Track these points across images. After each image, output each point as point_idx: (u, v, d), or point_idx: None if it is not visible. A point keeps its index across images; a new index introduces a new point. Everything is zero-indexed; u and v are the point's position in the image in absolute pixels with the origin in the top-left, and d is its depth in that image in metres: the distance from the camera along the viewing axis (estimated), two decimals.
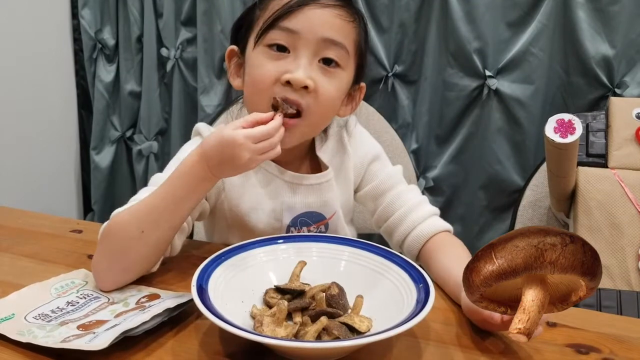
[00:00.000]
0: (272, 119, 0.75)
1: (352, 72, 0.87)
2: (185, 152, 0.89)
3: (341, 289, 0.71)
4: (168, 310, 0.66)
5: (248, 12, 0.87)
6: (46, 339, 0.62)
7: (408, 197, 0.92)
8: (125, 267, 0.75)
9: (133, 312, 0.68)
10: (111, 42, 2.02)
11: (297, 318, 0.67)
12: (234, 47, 0.89)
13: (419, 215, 0.90)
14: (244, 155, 0.71)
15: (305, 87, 0.79)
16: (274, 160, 0.88)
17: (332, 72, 0.82)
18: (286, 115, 0.79)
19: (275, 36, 0.80)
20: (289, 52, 0.80)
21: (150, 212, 0.74)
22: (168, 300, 0.69)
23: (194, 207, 0.78)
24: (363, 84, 0.93)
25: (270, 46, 0.81)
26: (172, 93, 1.97)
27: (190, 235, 1.10)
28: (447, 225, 0.90)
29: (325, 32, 0.80)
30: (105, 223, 0.77)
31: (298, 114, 0.81)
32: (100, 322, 0.66)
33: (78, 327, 0.65)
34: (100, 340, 0.60)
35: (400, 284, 0.69)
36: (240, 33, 0.88)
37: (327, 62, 0.81)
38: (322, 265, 0.77)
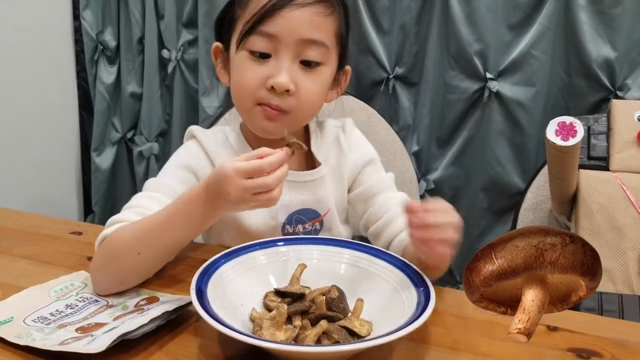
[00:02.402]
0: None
1: (335, 62, 0.87)
2: (179, 156, 0.89)
3: (341, 292, 0.70)
4: (166, 313, 0.66)
5: (228, 8, 0.87)
6: (44, 342, 0.62)
7: (396, 202, 0.91)
8: (121, 280, 0.75)
9: (131, 315, 0.68)
10: (112, 43, 2.02)
11: (297, 321, 0.67)
12: (219, 44, 0.90)
13: (405, 221, 0.89)
14: (231, 190, 0.67)
15: (288, 91, 0.80)
16: None
17: (314, 71, 0.83)
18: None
19: (255, 42, 0.81)
20: (270, 56, 0.81)
21: (149, 236, 0.74)
22: (166, 303, 0.69)
23: (193, 237, 0.77)
24: (348, 68, 0.92)
25: (252, 52, 0.82)
26: (173, 94, 1.97)
27: None
28: None
29: (304, 33, 0.80)
30: (102, 233, 0.76)
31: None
32: (99, 325, 0.66)
33: (76, 330, 0.65)
34: (98, 344, 0.60)
35: (401, 288, 0.69)
36: (222, 30, 0.89)
37: (307, 63, 0.82)
38: (322, 268, 0.76)
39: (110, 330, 0.63)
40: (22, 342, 0.63)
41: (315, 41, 0.81)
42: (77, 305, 0.73)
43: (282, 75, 0.80)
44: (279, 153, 0.69)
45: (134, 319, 0.65)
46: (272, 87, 0.80)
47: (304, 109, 0.84)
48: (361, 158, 0.96)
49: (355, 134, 0.99)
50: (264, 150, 0.69)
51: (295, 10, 0.80)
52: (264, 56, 0.81)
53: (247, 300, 0.70)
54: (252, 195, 0.68)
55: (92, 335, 0.63)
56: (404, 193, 0.95)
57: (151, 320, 0.64)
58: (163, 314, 0.65)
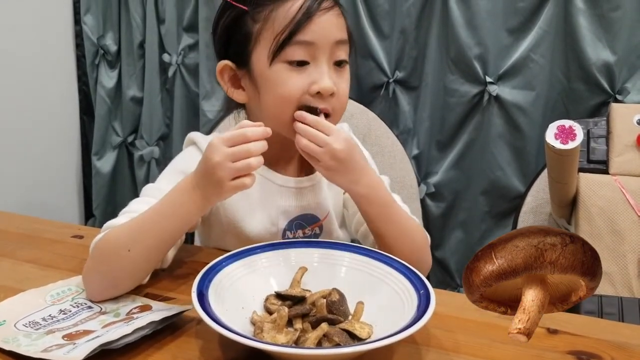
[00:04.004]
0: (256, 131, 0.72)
1: None
2: (179, 162, 0.89)
3: (342, 295, 0.70)
4: (153, 323, 0.65)
5: (236, 24, 0.85)
6: (28, 348, 0.62)
7: None
8: (113, 283, 0.75)
9: (119, 323, 0.67)
10: (113, 47, 2.03)
11: (298, 324, 0.67)
12: (227, 62, 0.87)
13: None
14: (214, 157, 0.70)
15: (332, 94, 0.83)
16: (265, 164, 0.87)
17: (343, 70, 0.86)
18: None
19: (294, 52, 0.81)
20: (308, 63, 0.82)
21: (139, 231, 0.74)
22: (155, 312, 0.68)
23: (182, 229, 0.77)
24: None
25: (289, 62, 0.82)
26: (173, 98, 1.97)
27: (192, 241, 1.10)
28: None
29: (335, 35, 0.83)
30: (97, 237, 0.76)
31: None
32: (86, 333, 0.66)
33: (63, 337, 0.65)
34: (78, 352, 0.59)
35: (401, 290, 0.69)
36: (232, 47, 0.87)
37: (338, 63, 0.85)
38: (322, 271, 0.77)
39: (94, 338, 0.63)
40: (7, 347, 0.62)
41: (343, 40, 0.84)
42: (70, 311, 0.72)
43: (325, 79, 0.82)
44: (262, 127, 0.73)
45: (118, 328, 0.64)
46: (318, 93, 0.82)
47: (342, 108, 0.87)
48: None
49: None
50: (245, 122, 0.74)
51: (324, 15, 0.82)
52: (301, 64, 0.82)
53: (248, 304, 0.71)
54: (232, 163, 0.70)
55: (74, 344, 0.62)
56: (397, 195, 0.95)
57: (135, 331, 0.63)
58: (149, 323, 0.65)
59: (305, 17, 0.80)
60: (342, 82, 0.85)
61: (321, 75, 0.82)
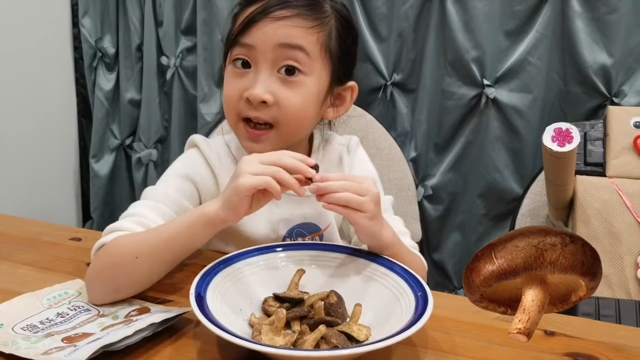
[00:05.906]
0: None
1: (324, 76, 0.85)
2: (180, 165, 0.89)
3: (340, 298, 0.71)
4: (153, 325, 0.65)
5: (232, 20, 0.89)
6: (28, 351, 0.62)
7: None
8: (116, 288, 0.74)
9: (119, 325, 0.67)
10: (111, 50, 2.03)
11: (296, 326, 0.67)
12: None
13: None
14: (245, 167, 0.70)
15: (264, 102, 0.81)
16: None
17: (295, 82, 0.82)
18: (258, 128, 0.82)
19: (236, 52, 0.83)
20: (251, 67, 0.82)
21: (149, 246, 0.73)
22: (154, 314, 0.68)
23: (190, 248, 0.76)
24: (353, 83, 0.91)
25: (234, 63, 0.83)
26: (171, 101, 1.98)
27: None
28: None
29: (280, 39, 0.81)
30: (100, 241, 0.76)
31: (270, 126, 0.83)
32: (85, 335, 0.66)
33: (63, 340, 0.65)
34: (79, 354, 0.59)
35: (399, 292, 0.70)
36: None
37: (288, 71, 0.82)
38: (320, 273, 0.77)
39: (94, 340, 0.63)
40: (6, 351, 0.62)
41: (292, 45, 0.81)
42: (67, 314, 0.72)
43: (256, 86, 0.80)
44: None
45: (119, 330, 0.64)
46: (248, 99, 0.81)
47: (289, 122, 0.83)
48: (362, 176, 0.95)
49: (358, 154, 0.98)
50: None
51: (271, 23, 0.80)
52: (245, 65, 0.82)
53: (246, 306, 0.71)
54: (253, 175, 0.69)
55: (75, 346, 0.62)
56: (400, 218, 0.94)
57: (136, 332, 0.63)
58: (149, 325, 0.65)
59: (250, 21, 0.81)
60: (287, 93, 0.81)
61: (255, 82, 0.81)
